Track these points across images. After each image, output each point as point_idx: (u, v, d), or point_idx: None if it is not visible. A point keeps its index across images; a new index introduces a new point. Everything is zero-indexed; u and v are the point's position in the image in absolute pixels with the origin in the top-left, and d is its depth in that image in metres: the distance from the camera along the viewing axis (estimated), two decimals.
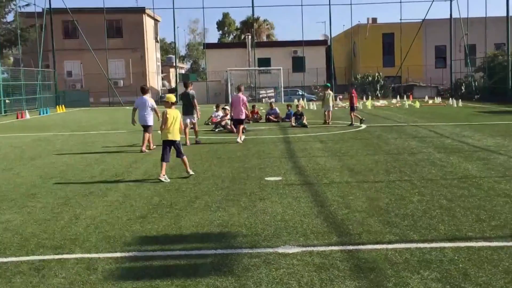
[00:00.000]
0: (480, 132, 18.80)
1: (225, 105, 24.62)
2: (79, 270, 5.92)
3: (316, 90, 50.41)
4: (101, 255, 6.39)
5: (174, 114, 11.26)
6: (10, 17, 52.97)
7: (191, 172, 11.38)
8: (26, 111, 35.82)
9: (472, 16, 49.59)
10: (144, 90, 16.19)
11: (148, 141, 15.76)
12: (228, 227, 7.47)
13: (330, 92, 24.28)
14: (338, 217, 7.87)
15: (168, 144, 11.21)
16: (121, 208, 8.71)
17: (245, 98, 18.19)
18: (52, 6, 49.77)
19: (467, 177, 10.70)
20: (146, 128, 15.72)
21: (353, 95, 23.33)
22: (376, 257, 6.08)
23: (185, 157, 11.35)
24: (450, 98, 40.13)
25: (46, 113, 38.69)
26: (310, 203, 8.79)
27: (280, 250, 6.41)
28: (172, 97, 11.60)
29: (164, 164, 11.08)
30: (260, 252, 6.35)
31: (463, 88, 47.94)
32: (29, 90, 43.14)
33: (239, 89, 18.63)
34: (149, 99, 15.97)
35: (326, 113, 23.88)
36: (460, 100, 37.23)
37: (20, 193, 10.11)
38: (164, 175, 11.01)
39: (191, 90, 17.03)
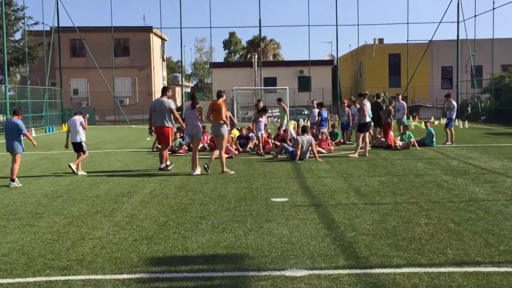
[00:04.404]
0: (486, 154, 18.73)
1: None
2: None
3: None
4: (108, 277, 6.35)
5: None
6: (18, 36, 53.44)
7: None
8: (32, 129, 35.85)
9: (479, 38, 49.58)
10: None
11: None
12: (234, 248, 7.43)
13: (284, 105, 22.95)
14: (345, 239, 7.82)
15: None
16: (127, 229, 8.68)
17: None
18: (60, 25, 50.14)
19: (474, 200, 10.64)
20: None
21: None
22: (384, 282, 6.03)
23: None
24: (456, 120, 40.09)
25: (52, 131, 38.82)
26: (316, 225, 8.75)
27: (287, 273, 6.36)
28: None
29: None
30: (267, 275, 6.31)
31: (469, 109, 47.91)
32: (36, 108, 43.35)
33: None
34: None
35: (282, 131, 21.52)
36: (466, 121, 37.18)
37: (26, 212, 10.11)
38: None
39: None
